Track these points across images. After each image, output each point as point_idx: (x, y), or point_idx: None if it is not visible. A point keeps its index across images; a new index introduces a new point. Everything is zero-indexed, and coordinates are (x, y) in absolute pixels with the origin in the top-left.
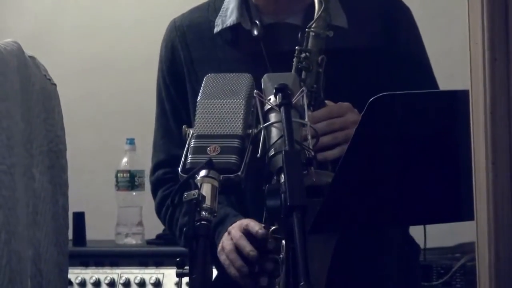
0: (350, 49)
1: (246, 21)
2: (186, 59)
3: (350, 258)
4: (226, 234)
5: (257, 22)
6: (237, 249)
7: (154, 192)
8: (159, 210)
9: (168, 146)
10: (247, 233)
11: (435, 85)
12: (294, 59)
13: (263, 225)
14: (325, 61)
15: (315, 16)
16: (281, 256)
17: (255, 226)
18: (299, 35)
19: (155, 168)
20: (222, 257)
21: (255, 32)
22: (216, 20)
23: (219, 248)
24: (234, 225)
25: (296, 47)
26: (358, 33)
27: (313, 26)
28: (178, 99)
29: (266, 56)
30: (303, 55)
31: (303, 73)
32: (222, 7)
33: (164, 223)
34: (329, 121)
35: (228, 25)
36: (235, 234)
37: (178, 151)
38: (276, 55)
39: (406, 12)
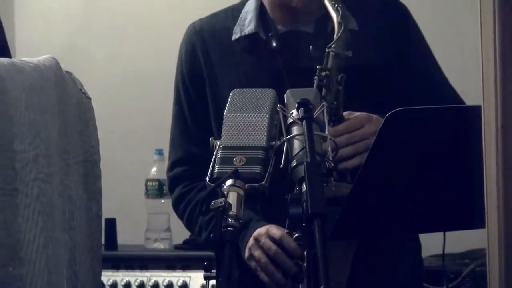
0: (363, 49)
1: (262, 31)
2: (206, 63)
3: (368, 264)
4: (253, 240)
5: (274, 33)
6: (273, 261)
7: (172, 189)
8: (177, 206)
9: (186, 144)
10: (280, 245)
11: (443, 76)
12: (315, 78)
13: (286, 230)
14: (344, 79)
15: (335, 37)
16: (305, 264)
17: (290, 242)
18: (312, 45)
19: (173, 165)
20: (253, 264)
21: (274, 44)
22: (235, 28)
23: (247, 254)
24: (260, 231)
25: (317, 66)
26: (368, 35)
27: (333, 46)
28: (197, 100)
29: (281, 64)
30: (323, 73)
31: (324, 90)
32: (240, 16)
33: (181, 218)
34: (349, 135)
35: (246, 33)
36: (269, 246)
37: (195, 149)
38: (291, 62)
39: (407, 11)
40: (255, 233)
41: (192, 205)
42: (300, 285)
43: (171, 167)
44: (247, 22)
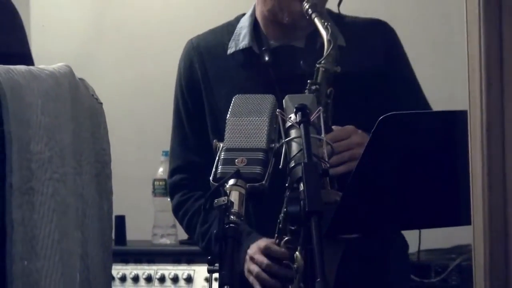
0: (350, 64)
1: (256, 46)
2: (203, 76)
3: (356, 261)
4: (248, 259)
5: (267, 48)
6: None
7: (171, 195)
8: (176, 213)
9: (185, 153)
10: (270, 256)
11: (422, 95)
12: (306, 91)
13: (275, 236)
14: (333, 93)
15: (325, 53)
16: (295, 265)
17: (276, 250)
18: (302, 59)
19: (172, 172)
20: (251, 279)
21: (266, 58)
22: (230, 43)
23: (246, 272)
24: (253, 249)
25: (308, 81)
26: (354, 51)
27: (323, 62)
28: (195, 111)
29: (273, 76)
30: (313, 87)
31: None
32: (235, 31)
33: (181, 224)
34: (336, 144)
35: (241, 48)
36: (261, 261)
37: (193, 157)
38: (282, 75)
39: (394, 34)
40: (249, 252)
41: (189, 215)
42: (290, 286)
43: (171, 175)
44: (241, 37)
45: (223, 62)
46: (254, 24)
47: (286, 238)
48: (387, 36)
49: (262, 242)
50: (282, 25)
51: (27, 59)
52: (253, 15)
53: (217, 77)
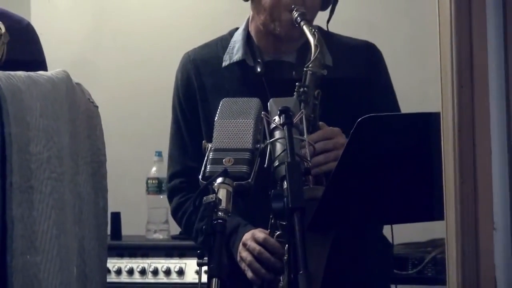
0: (335, 82)
1: (249, 58)
2: (199, 87)
3: (343, 254)
4: (241, 245)
5: (260, 60)
6: (258, 259)
7: (170, 198)
8: (175, 214)
9: (183, 158)
10: (264, 246)
11: (399, 109)
12: (295, 93)
13: (268, 230)
14: (320, 95)
15: (312, 57)
16: (285, 257)
17: (272, 241)
18: (294, 72)
19: (171, 177)
20: (243, 265)
21: (258, 69)
22: (224, 56)
23: (238, 258)
24: (246, 236)
25: (296, 83)
26: (340, 70)
27: (310, 65)
28: (192, 119)
29: (266, 88)
30: (302, 90)
31: (302, 104)
32: (229, 45)
33: (179, 225)
34: (322, 143)
35: (235, 60)
36: (253, 247)
37: (191, 163)
38: (275, 87)
39: (379, 55)
40: (243, 238)
41: (187, 215)
42: (281, 277)
43: (170, 179)
44: (235, 50)
45: (218, 74)
46: (248, 38)
47: (278, 232)
48: (374, 58)
49: (257, 231)
50: (275, 37)
51: (42, 66)
52: (246, 29)
53: (213, 88)
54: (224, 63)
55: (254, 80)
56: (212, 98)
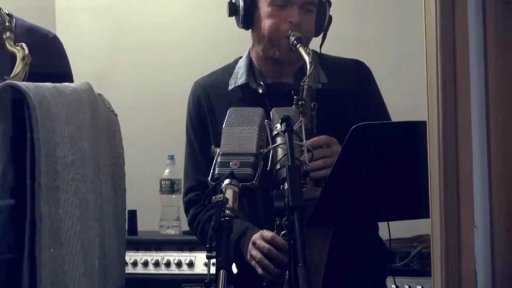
0: (330, 96)
1: (252, 82)
2: (209, 110)
3: (343, 249)
4: (251, 244)
5: (261, 83)
6: (267, 256)
7: (187, 210)
8: (192, 224)
9: (197, 174)
10: (272, 243)
11: (389, 118)
12: (293, 106)
13: (274, 231)
14: (316, 106)
15: (308, 73)
16: None
17: (279, 240)
18: (292, 91)
19: (187, 191)
20: (253, 263)
21: (260, 90)
22: (230, 81)
23: (248, 256)
24: (256, 236)
25: (295, 97)
26: (334, 85)
27: (306, 80)
28: (204, 139)
29: (268, 106)
30: (300, 102)
31: (300, 116)
32: (234, 71)
33: (195, 234)
34: (320, 150)
35: (239, 84)
36: (263, 246)
37: (204, 178)
38: (276, 106)
39: (367, 71)
40: (252, 238)
41: (202, 223)
42: (287, 272)
43: (186, 194)
44: (239, 75)
45: (225, 97)
46: (250, 64)
47: (284, 231)
48: (363, 74)
49: (265, 231)
50: (274, 61)
51: (69, 77)
52: (249, 56)
53: (221, 110)
54: (230, 87)
55: (257, 100)
56: (220, 118)
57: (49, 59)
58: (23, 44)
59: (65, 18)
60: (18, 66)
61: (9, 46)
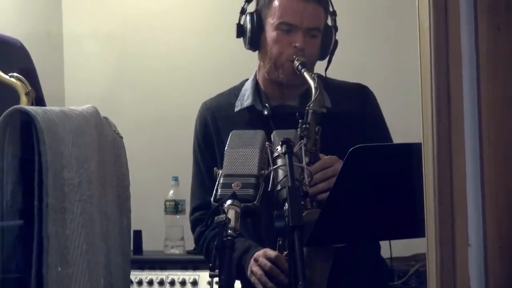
0: (334, 119)
1: (258, 104)
2: (215, 131)
3: (345, 267)
4: (253, 261)
5: (267, 105)
6: (267, 274)
7: (193, 228)
8: (198, 242)
9: (203, 194)
10: (275, 263)
11: (391, 140)
12: (298, 129)
13: (277, 251)
14: (320, 130)
15: (313, 98)
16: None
17: (283, 260)
18: (297, 113)
19: (193, 210)
20: (253, 278)
21: (265, 112)
22: (236, 103)
23: (249, 272)
24: (258, 253)
25: (299, 120)
26: (338, 109)
27: (311, 105)
28: (210, 159)
29: (273, 128)
30: (304, 126)
31: (304, 139)
32: (240, 93)
33: (201, 251)
34: (323, 171)
35: (245, 106)
36: (265, 263)
37: (210, 197)
38: (280, 127)
39: (371, 95)
40: (255, 255)
41: (207, 242)
42: None
43: (192, 212)
44: (245, 97)
45: (231, 118)
46: (256, 86)
47: (286, 252)
48: (367, 98)
49: (269, 250)
50: (279, 84)
51: (42, 102)
52: (255, 79)
53: (227, 131)
54: (236, 109)
55: (262, 122)
56: (226, 139)
57: (17, 67)
58: (19, 76)
59: (73, 45)
60: (23, 102)
61: (5, 79)
